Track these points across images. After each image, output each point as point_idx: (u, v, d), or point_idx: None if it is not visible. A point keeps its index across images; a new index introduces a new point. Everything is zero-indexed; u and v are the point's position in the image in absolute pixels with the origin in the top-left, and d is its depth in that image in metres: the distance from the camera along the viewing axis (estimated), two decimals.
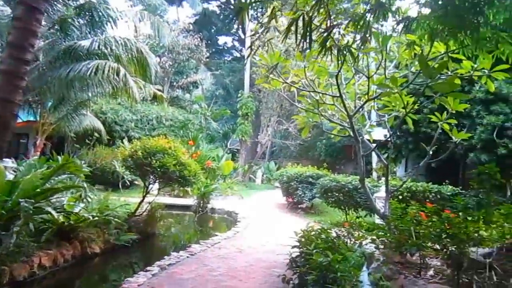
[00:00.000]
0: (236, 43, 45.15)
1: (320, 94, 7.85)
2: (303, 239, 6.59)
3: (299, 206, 14.56)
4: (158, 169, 9.07)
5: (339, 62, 5.65)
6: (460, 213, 5.67)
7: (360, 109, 7.57)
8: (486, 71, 5.99)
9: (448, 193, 10.81)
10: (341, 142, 33.51)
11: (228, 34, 44.72)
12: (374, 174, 25.61)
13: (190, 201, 14.36)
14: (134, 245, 8.42)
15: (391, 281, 4.99)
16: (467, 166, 15.03)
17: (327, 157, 34.13)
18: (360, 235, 6.94)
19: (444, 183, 11.45)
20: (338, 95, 7.18)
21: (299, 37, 4.80)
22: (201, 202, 13.86)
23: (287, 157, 40.55)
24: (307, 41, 4.83)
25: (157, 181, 9.91)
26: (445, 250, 5.16)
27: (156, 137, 10.31)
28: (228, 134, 29.58)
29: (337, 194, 12.15)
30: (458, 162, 16.70)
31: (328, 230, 7.04)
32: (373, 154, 25.52)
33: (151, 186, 9.99)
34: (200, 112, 22.42)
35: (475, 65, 6.03)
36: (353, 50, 5.40)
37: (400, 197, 10.87)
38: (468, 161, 11.80)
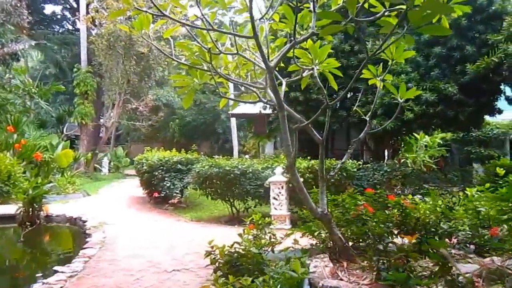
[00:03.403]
0: (68, 14, 38.46)
1: (214, 38, 4.97)
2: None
3: (169, 201, 11.55)
4: None
5: None
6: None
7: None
8: None
9: (354, 169, 9.08)
10: (196, 121, 31.20)
11: (56, 2, 37.78)
12: (236, 153, 23.79)
13: (13, 208, 10.16)
14: None
15: None
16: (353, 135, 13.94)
17: (182, 138, 31.40)
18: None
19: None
20: (249, 36, 4.53)
21: None
22: (30, 209, 9.88)
23: (135, 141, 36.56)
24: None
25: None
26: None
27: None
28: (64, 117, 24.53)
29: (219, 183, 9.55)
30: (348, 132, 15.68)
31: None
32: (233, 129, 23.84)
33: None
34: (22, 89, 17.36)
35: None
36: None
37: (302, 179, 8.76)
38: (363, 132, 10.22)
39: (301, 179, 8.76)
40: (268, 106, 13.61)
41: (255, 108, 16.22)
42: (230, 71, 5.75)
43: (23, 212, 9.93)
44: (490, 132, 15.72)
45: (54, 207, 11.29)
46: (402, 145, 11.33)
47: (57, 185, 14.44)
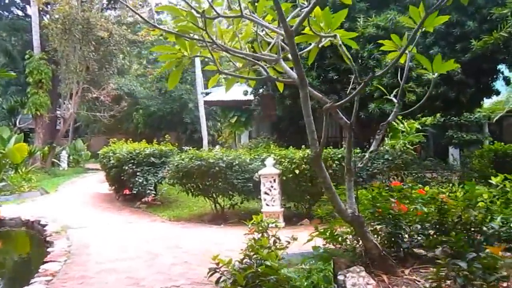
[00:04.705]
0: None
1: None
2: None
3: (142, 199, 10.27)
4: None
5: None
6: None
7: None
8: None
9: (353, 159, 8.13)
10: (162, 110, 29.56)
11: None
12: (205, 144, 22.52)
13: None
14: None
15: None
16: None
17: (146, 129, 29.76)
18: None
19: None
20: None
21: None
22: None
23: (95, 133, 34.50)
24: None
25: None
26: None
27: None
28: (16, 109, 22.54)
29: (201, 177, 8.42)
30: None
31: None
32: (201, 119, 22.55)
33: None
34: None
35: None
36: None
37: (297, 171, 7.83)
38: (362, 115, 9.35)
39: (297, 171, 7.85)
40: (249, 92, 12.51)
41: (231, 95, 15.08)
42: (224, 43, 4.64)
43: None
44: (472, 116, 15.25)
45: (7, 208, 9.87)
46: (388, 132, 10.58)
47: (10, 183, 12.86)
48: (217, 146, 18.08)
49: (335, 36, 4.04)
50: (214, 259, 3.86)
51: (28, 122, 22.63)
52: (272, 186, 7.89)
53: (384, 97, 5.17)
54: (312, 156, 3.82)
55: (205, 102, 17.40)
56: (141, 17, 4.46)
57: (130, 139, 12.45)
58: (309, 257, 4.88)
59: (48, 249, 6.34)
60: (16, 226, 8.98)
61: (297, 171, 7.77)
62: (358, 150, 8.42)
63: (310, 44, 4.28)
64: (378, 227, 4.43)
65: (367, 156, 4.41)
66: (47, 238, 7.19)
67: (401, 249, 4.34)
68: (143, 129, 29.16)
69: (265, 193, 7.91)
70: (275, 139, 13.39)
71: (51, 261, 5.58)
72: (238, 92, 15.09)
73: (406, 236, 4.43)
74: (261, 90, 11.37)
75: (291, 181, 7.95)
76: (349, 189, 4.15)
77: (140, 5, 26.17)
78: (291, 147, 8.90)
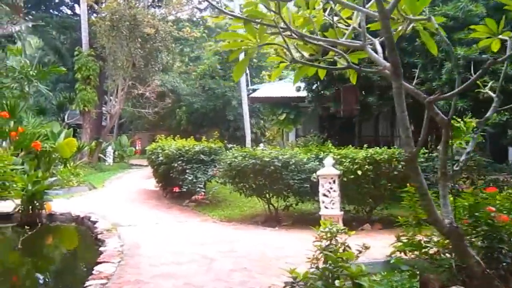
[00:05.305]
0: None
1: None
2: None
3: (192, 197, 9.96)
4: None
5: None
6: None
7: None
8: None
9: (421, 159, 7.54)
10: (205, 108, 29.45)
11: None
12: (248, 142, 22.08)
13: (9, 205, 8.63)
14: None
15: None
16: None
17: (189, 125, 29.74)
18: None
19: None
20: None
21: None
22: (30, 207, 8.41)
23: (138, 129, 34.90)
24: None
25: None
26: None
27: None
28: (65, 104, 22.93)
29: (253, 176, 8.01)
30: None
31: None
32: (245, 116, 22.14)
33: None
34: (18, 71, 15.68)
35: None
36: None
37: (359, 172, 7.27)
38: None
39: (359, 172, 7.28)
40: (301, 87, 11.96)
41: (280, 92, 14.62)
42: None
43: (21, 211, 8.46)
44: None
45: (57, 203, 9.76)
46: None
47: (59, 178, 12.91)
48: (261, 144, 17.69)
49: (429, 19, 3.51)
50: (292, 272, 3.40)
51: (76, 118, 23.02)
52: (331, 188, 7.35)
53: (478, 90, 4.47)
54: (407, 157, 3.28)
55: (253, 99, 16.98)
56: (210, 3, 4.06)
57: (174, 136, 12.23)
58: (386, 269, 4.37)
59: (101, 248, 6.08)
60: (66, 222, 8.87)
61: (359, 172, 7.21)
62: (425, 150, 7.77)
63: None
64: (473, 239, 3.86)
65: (463, 158, 3.82)
66: (98, 236, 6.96)
67: (501, 266, 3.75)
68: (185, 126, 29.17)
69: (324, 195, 7.39)
70: (325, 137, 12.82)
71: (104, 262, 5.29)
72: (287, 88, 14.59)
73: (506, 250, 3.83)
74: (314, 86, 10.81)
75: (352, 183, 7.40)
76: (444, 196, 3.58)
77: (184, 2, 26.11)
78: (342, 146, 8.37)
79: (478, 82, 3.96)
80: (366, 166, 7.20)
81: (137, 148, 29.14)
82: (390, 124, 14.53)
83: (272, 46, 4.14)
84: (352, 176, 7.30)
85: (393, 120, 14.41)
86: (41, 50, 29.99)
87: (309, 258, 4.12)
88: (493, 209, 3.73)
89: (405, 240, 4.05)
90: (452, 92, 3.41)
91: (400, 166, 7.24)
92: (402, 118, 3.30)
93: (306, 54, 4.55)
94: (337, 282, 3.44)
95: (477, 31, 3.82)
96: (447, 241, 3.68)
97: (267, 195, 8.25)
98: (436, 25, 3.40)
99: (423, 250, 3.96)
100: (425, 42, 3.64)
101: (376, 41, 3.86)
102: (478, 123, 4.01)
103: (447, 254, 3.71)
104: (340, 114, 10.27)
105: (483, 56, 7.72)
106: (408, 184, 8.14)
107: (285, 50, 4.68)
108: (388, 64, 3.27)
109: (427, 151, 7.69)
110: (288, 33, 3.59)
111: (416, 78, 7.22)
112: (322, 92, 10.37)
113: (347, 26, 4.02)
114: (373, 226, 7.53)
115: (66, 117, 22.80)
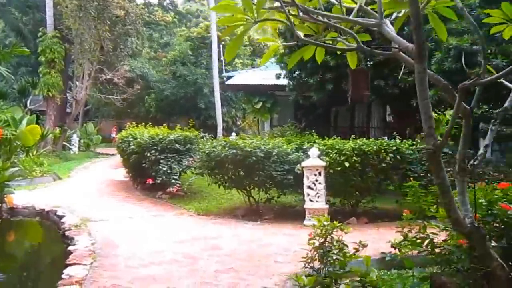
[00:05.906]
0: None
1: None
2: None
3: (167, 189, 9.42)
4: None
5: None
6: None
7: None
8: None
9: (409, 152, 7.31)
10: (175, 95, 28.59)
11: None
12: (220, 131, 21.53)
13: None
14: None
15: None
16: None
17: (159, 113, 28.88)
18: None
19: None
20: None
21: None
22: None
23: (105, 116, 33.69)
24: None
25: None
26: None
27: None
28: (27, 89, 21.66)
29: (233, 167, 7.58)
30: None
31: None
32: (216, 104, 21.55)
33: None
34: None
35: None
36: None
37: (347, 164, 6.96)
38: (414, 102, 8.43)
39: (347, 164, 6.97)
40: (282, 75, 11.53)
41: (253, 79, 14.17)
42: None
43: None
44: None
45: (19, 195, 9.04)
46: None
47: (22, 168, 12.07)
48: (233, 134, 17.20)
49: None
50: (299, 279, 3.03)
51: (39, 104, 21.81)
52: (316, 180, 7.02)
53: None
54: (430, 151, 2.92)
55: (229, 86, 16.42)
56: None
57: (143, 124, 11.58)
58: (381, 267, 4.11)
59: (70, 247, 5.54)
60: (30, 216, 8.19)
61: (347, 164, 6.89)
62: (412, 142, 7.54)
63: None
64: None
65: (481, 151, 3.50)
66: (66, 233, 6.39)
67: None
68: (155, 114, 28.33)
69: (309, 187, 7.05)
70: (302, 127, 12.50)
71: (75, 263, 4.76)
72: (261, 76, 14.16)
73: None
74: (295, 74, 10.39)
75: (338, 175, 7.08)
76: (462, 192, 3.26)
77: None
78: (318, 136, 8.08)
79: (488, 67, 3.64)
80: (354, 158, 6.90)
81: (113, 135, 27.89)
82: (366, 116, 14.39)
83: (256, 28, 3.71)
84: (339, 168, 6.99)
85: (369, 111, 14.27)
86: (1, 31, 28.36)
87: (303, 258, 3.78)
88: (510, 206, 3.46)
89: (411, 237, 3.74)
90: (492, 77, 3.06)
91: (388, 158, 6.98)
92: (424, 106, 2.94)
93: (301, 35, 4.13)
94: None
95: (493, 16, 3.48)
96: (461, 240, 3.39)
97: (248, 187, 7.84)
98: (460, 4, 3.04)
99: (435, 250, 3.66)
100: (434, 27, 3.29)
101: (387, 21, 3.48)
102: (496, 114, 3.69)
103: (462, 256, 3.40)
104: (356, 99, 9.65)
105: (474, 47, 7.52)
106: (394, 177, 7.88)
107: (277, 31, 4.22)
108: (410, 45, 2.89)
109: (414, 143, 7.46)
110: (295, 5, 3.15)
111: (403, 68, 6.96)
112: (305, 79, 9.98)
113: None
114: (358, 219, 7.26)
115: (28, 102, 21.56)
